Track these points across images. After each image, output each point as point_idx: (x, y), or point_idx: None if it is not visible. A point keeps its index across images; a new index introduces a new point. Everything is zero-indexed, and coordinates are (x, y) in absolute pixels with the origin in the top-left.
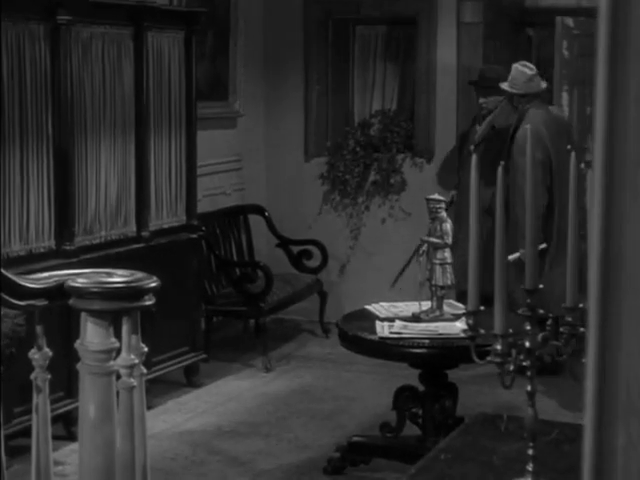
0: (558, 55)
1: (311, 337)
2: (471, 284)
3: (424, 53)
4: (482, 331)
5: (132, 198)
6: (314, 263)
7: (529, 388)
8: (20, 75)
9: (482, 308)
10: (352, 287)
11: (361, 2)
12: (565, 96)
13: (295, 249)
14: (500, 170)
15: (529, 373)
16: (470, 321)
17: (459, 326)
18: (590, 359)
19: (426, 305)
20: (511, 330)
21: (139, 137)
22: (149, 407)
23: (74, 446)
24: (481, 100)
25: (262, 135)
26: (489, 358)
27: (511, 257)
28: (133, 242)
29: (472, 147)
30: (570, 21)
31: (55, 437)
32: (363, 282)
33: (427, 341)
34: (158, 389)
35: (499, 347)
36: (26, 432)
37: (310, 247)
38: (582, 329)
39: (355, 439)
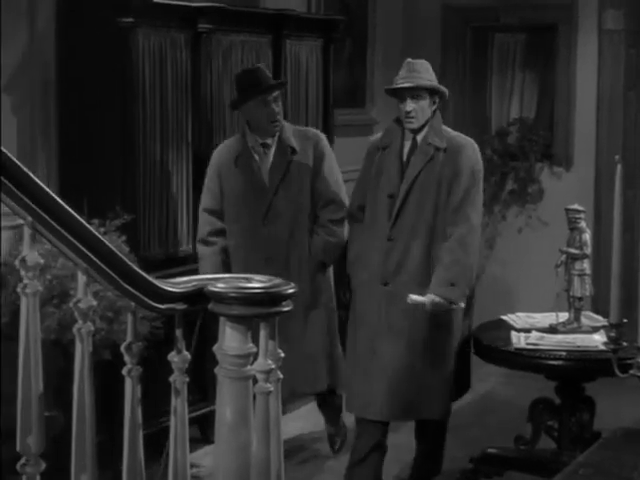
0: None
1: None
2: (613, 295)
3: (564, 60)
4: (625, 343)
5: None
6: None
7: None
8: (162, 82)
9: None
10: (487, 297)
11: (500, 9)
12: None
13: None
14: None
15: None
16: (612, 333)
17: (597, 338)
18: None
19: (563, 317)
20: None
21: None
22: (284, 412)
23: (209, 448)
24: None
25: None
26: (632, 371)
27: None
28: None
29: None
30: None
31: (191, 439)
32: (498, 292)
33: (564, 353)
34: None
35: None
36: (162, 433)
37: None
38: None
39: (489, 451)
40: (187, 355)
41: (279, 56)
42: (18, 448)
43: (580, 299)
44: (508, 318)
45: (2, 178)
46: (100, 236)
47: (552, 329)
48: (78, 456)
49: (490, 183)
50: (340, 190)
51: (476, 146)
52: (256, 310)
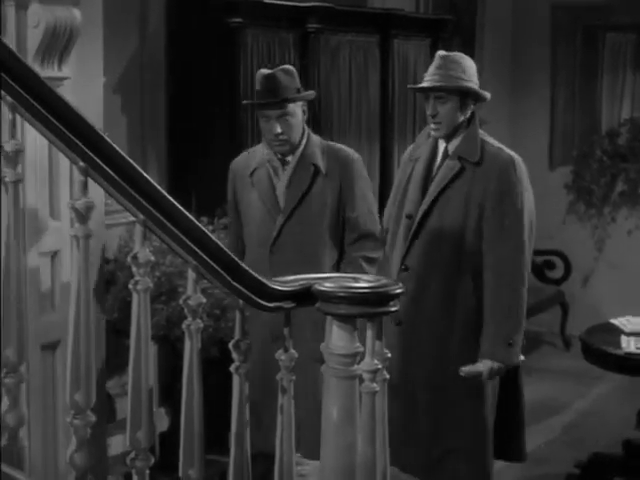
0: None
1: (551, 349)
2: None
3: None
4: None
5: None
6: (557, 274)
7: None
8: None
9: None
10: (595, 300)
11: (612, 8)
12: None
13: (538, 259)
14: None
15: None
16: None
17: None
18: None
19: None
20: None
21: (384, 143)
22: None
23: None
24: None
25: (506, 143)
26: None
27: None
28: None
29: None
30: None
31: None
32: (607, 295)
33: None
34: None
35: None
36: None
37: (552, 257)
38: None
39: (596, 456)
40: (294, 353)
41: (387, 56)
42: (127, 443)
43: None
44: (617, 322)
45: (117, 178)
46: (210, 234)
47: None
48: (186, 452)
49: (600, 184)
50: (376, 223)
51: (521, 164)
52: (363, 309)
